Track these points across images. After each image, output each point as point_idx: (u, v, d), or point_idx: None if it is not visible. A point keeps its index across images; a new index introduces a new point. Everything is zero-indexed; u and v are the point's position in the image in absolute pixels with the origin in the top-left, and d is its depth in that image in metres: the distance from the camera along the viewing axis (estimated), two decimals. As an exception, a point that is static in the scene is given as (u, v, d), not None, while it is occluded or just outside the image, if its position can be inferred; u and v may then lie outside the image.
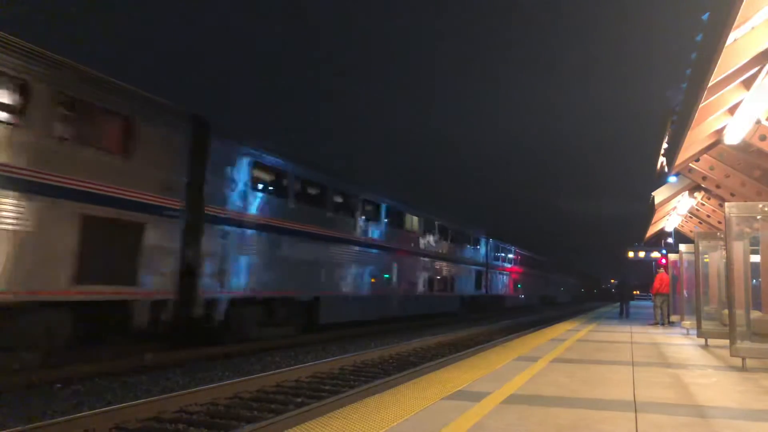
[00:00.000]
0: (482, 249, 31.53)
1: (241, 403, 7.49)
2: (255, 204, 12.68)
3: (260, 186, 13.12)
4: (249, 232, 12.44)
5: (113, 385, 8.33)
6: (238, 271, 12.08)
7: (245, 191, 12.36)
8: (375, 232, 18.63)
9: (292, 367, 9.66)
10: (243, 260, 12.25)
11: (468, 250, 28.89)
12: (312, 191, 15.35)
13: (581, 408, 4.49)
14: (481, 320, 26.71)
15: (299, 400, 7.82)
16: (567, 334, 12.05)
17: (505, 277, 36.83)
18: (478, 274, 30.39)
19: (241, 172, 12.27)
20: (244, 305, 12.40)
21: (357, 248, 17.20)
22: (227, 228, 11.72)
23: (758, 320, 7.16)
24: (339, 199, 16.58)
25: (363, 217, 17.81)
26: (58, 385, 8.10)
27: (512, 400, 4.79)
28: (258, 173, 13.02)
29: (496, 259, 34.60)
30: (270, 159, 13.42)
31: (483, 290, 31.20)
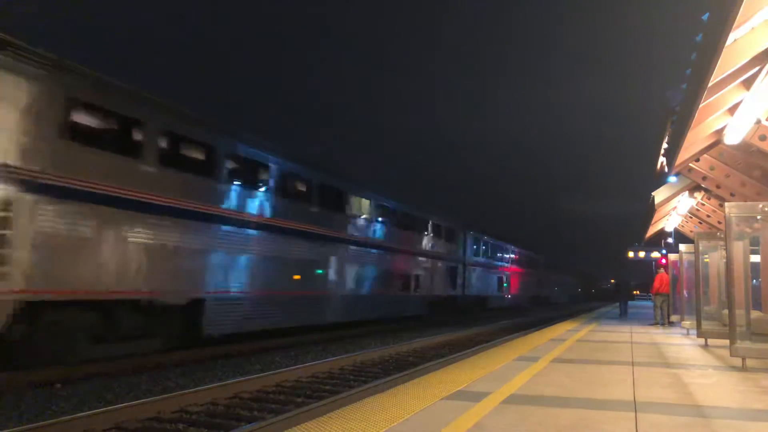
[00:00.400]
0: (459, 243, 27.81)
1: (241, 403, 7.49)
2: (73, 159, 8.72)
3: (84, 131, 9.00)
4: (64, 201, 8.46)
5: (113, 385, 8.33)
6: (41, 260, 8.09)
7: (52, 137, 8.38)
8: (299, 213, 14.54)
9: (292, 367, 9.66)
10: (51, 244, 8.27)
11: (439, 243, 25.05)
12: (188, 150, 11.26)
13: (581, 408, 4.49)
14: (481, 320, 26.67)
15: (299, 400, 7.82)
16: (567, 334, 12.06)
17: (488, 275, 33.22)
18: (453, 271, 26.88)
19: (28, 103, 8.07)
20: (60, 312, 8.63)
21: (266, 233, 13.06)
22: (16, 192, 7.82)
23: (758, 320, 7.16)
24: (235, 165, 12.39)
25: (279, 193, 13.72)
26: (58, 385, 8.10)
27: (512, 400, 4.79)
28: (82, 111, 9.00)
29: (477, 254, 31.04)
30: (101, 88, 9.34)
31: (459, 290, 27.79)
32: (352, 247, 17.50)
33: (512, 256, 39.55)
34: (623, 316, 20.91)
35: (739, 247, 7.25)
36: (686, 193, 14.34)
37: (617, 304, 25.57)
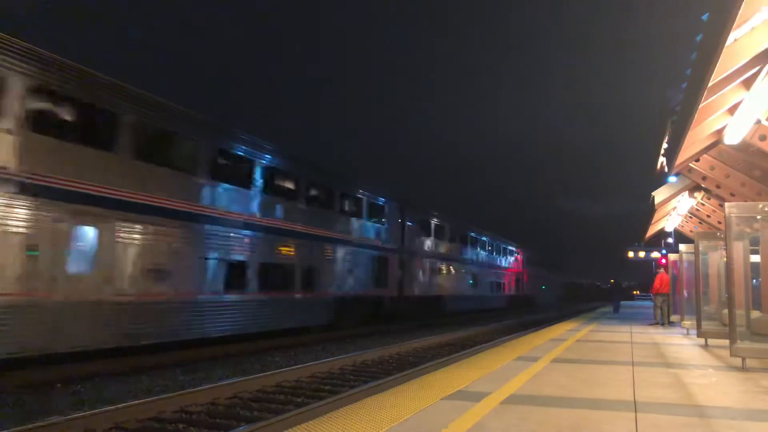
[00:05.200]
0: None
1: (241, 403, 7.50)
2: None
3: None
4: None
5: (113, 385, 8.33)
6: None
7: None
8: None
9: (292, 367, 9.66)
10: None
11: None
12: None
13: (581, 408, 4.49)
14: (481, 320, 26.77)
15: (299, 400, 7.82)
16: (567, 334, 12.05)
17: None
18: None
19: None
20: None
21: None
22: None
23: (758, 320, 7.15)
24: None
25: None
26: (58, 385, 8.10)
27: (512, 400, 4.79)
28: None
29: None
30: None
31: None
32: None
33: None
34: (616, 312, 24.62)
35: (739, 247, 7.25)
36: (686, 193, 14.33)
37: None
